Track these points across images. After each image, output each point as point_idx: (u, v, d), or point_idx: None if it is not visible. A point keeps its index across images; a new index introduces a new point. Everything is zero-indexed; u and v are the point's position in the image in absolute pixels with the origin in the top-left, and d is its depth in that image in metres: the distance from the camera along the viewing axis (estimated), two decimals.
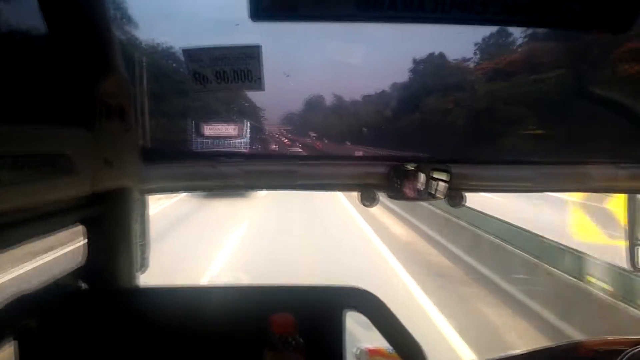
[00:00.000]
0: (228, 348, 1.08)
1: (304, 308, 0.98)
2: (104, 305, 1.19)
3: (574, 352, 1.60)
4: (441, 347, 5.13)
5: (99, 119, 1.20)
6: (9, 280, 6.66)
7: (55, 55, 1.16)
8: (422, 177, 1.63)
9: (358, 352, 1.63)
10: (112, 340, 1.11)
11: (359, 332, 1.44)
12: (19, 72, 1.07)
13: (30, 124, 0.98)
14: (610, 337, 1.57)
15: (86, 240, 1.34)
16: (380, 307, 1.06)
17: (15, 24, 1.05)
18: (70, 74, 1.17)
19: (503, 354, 1.54)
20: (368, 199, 1.66)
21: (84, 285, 1.32)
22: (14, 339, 1.10)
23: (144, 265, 1.60)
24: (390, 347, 1.55)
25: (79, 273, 1.33)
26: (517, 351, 1.55)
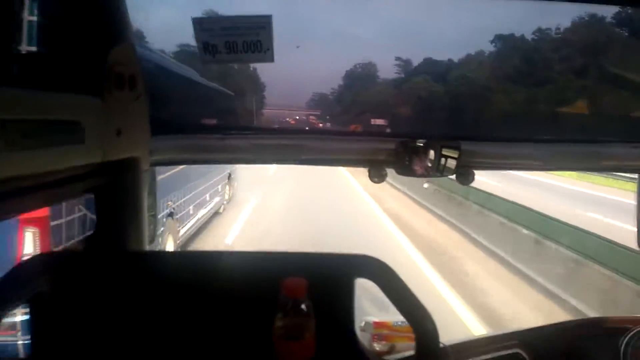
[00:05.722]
0: (239, 310, 1.09)
1: (315, 274, 0.99)
2: (116, 267, 1.21)
3: (583, 328, 1.61)
4: None
5: (110, 87, 1.20)
6: None
7: (67, 23, 1.15)
8: (431, 153, 1.62)
9: (363, 324, 1.65)
10: (123, 301, 1.13)
11: (365, 305, 1.46)
12: (33, 38, 1.06)
13: (43, 90, 0.98)
14: (618, 316, 1.59)
15: (96, 209, 1.36)
16: (391, 275, 1.05)
17: None
18: (82, 41, 1.16)
19: (513, 329, 1.55)
20: (377, 175, 1.65)
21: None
22: (27, 301, 1.13)
23: (153, 238, 1.61)
24: (396, 320, 1.57)
25: (89, 241, 1.35)
26: (527, 327, 1.57)
